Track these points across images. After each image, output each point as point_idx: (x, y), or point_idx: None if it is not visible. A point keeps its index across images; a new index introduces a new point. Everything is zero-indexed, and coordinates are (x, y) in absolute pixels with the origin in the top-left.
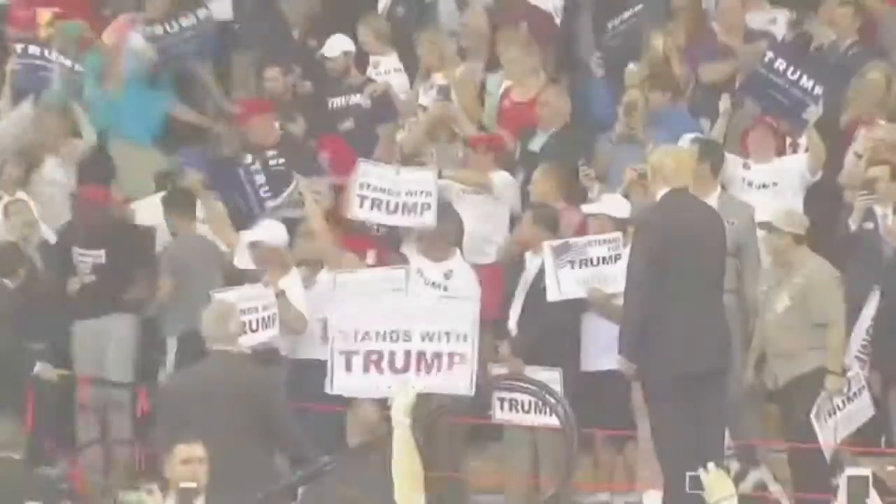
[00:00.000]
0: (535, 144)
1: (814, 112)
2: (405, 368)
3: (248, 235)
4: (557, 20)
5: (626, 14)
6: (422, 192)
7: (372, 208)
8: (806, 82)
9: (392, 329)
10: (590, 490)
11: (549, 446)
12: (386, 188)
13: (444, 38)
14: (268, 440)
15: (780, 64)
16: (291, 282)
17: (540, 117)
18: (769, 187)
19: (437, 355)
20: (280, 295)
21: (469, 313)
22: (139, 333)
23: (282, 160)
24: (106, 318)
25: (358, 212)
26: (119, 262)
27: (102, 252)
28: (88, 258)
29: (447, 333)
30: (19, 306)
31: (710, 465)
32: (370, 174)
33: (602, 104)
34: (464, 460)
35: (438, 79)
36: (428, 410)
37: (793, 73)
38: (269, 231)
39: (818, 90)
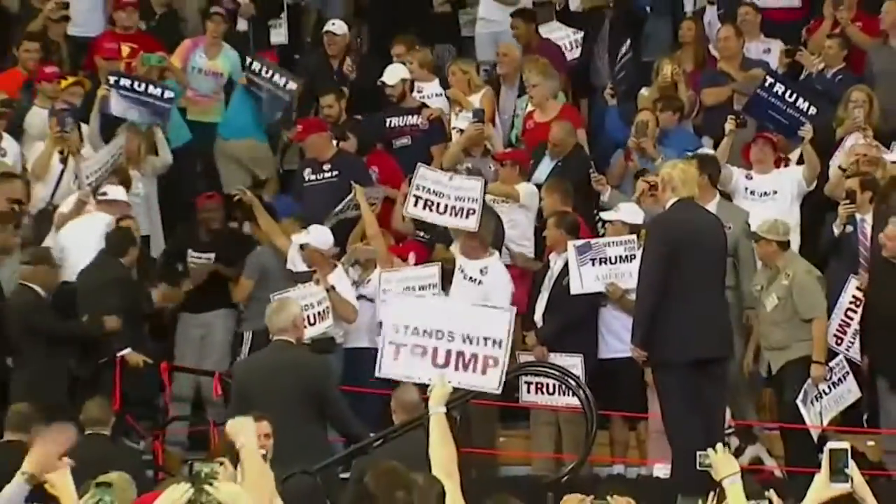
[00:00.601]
0: (542, 173)
1: (808, 129)
2: (445, 364)
3: (298, 239)
4: (571, 53)
5: (623, 49)
6: (469, 199)
7: (424, 208)
8: (802, 104)
9: (438, 328)
10: (606, 463)
11: (571, 424)
12: (438, 191)
13: (473, 68)
14: (321, 418)
15: (779, 88)
16: (337, 277)
17: (550, 152)
18: (770, 195)
19: (475, 356)
20: (331, 290)
21: (506, 323)
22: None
23: (336, 172)
24: (211, 314)
25: (412, 210)
26: (225, 265)
27: (213, 255)
28: (202, 260)
29: (485, 338)
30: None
31: (719, 445)
32: (427, 178)
33: (615, 126)
34: (496, 438)
35: (475, 103)
36: (461, 394)
37: (790, 96)
38: (316, 235)
39: (812, 111)
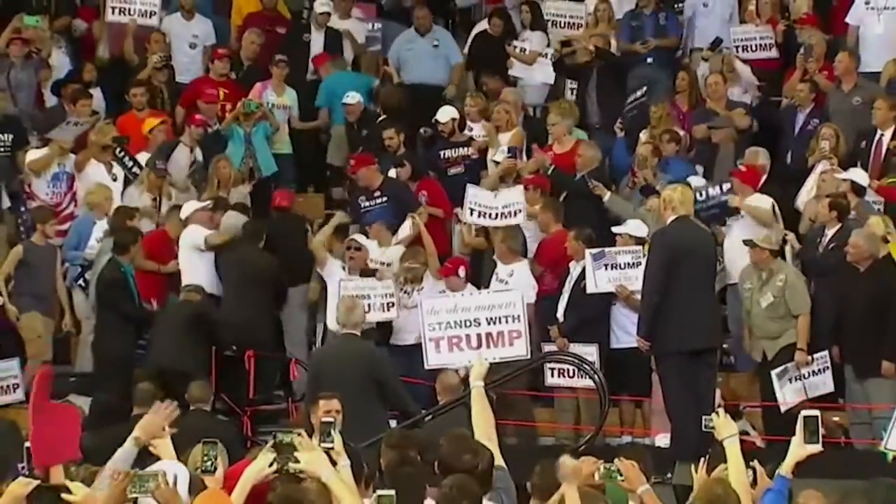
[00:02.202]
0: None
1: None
2: (479, 346)
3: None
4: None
5: (638, 94)
6: (514, 203)
7: (479, 217)
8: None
9: (465, 319)
10: (616, 434)
11: (587, 403)
12: (487, 204)
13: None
14: (380, 399)
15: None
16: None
17: (577, 164)
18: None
19: (500, 334)
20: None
21: (519, 300)
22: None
23: (385, 198)
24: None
25: (469, 218)
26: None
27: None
28: None
29: (505, 317)
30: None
31: (720, 411)
32: (478, 194)
33: (621, 154)
34: (533, 413)
35: (503, 141)
36: (498, 377)
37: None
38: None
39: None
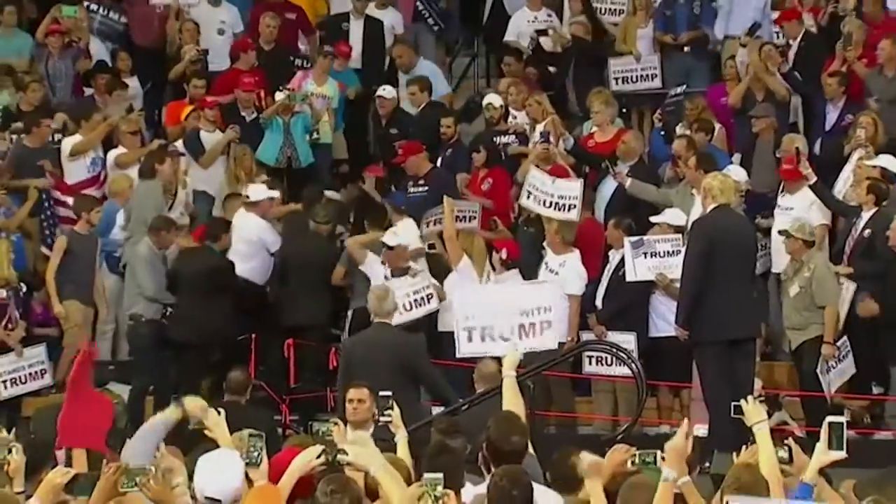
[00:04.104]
0: (609, 185)
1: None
2: (510, 336)
3: (385, 238)
4: None
5: (679, 90)
6: (570, 197)
7: (535, 202)
8: None
9: (498, 310)
10: (654, 424)
11: (625, 392)
12: (545, 190)
13: (546, 99)
14: (414, 387)
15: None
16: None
17: (622, 153)
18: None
19: (532, 325)
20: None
21: (550, 292)
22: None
23: (426, 188)
24: None
25: (524, 202)
26: None
27: None
28: None
29: (537, 308)
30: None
31: (750, 398)
32: (537, 178)
33: (659, 145)
34: (574, 403)
35: (543, 127)
36: (532, 367)
37: None
38: (402, 236)
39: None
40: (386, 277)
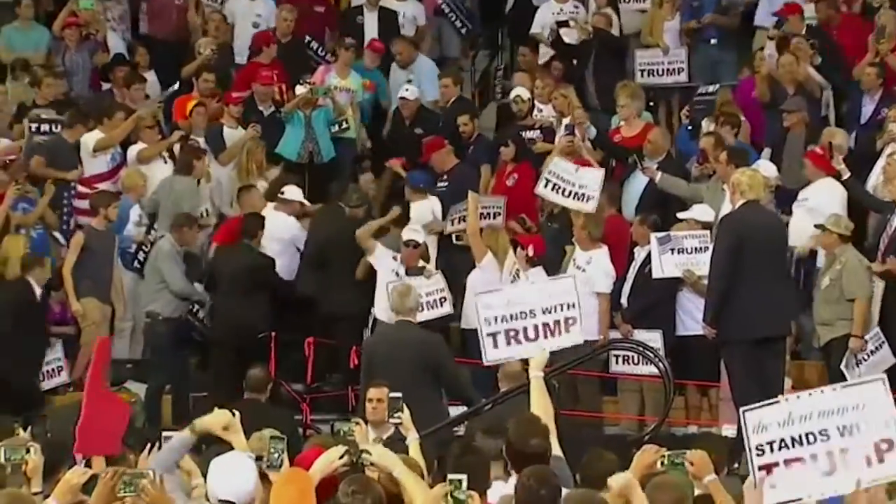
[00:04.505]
0: (639, 180)
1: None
2: (536, 337)
3: (413, 236)
4: None
5: (711, 89)
6: (591, 187)
7: (552, 190)
8: None
9: (520, 311)
10: (682, 425)
11: (652, 391)
12: (566, 179)
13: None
14: (437, 386)
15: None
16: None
17: (648, 152)
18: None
19: (556, 322)
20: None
21: (572, 287)
22: None
23: (447, 183)
24: None
25: (541, 190)
26: None
27: None
28: None
29: (560, 305)
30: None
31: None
32: (559, 166)
33: (685, 140)
34: (601, 402)
35: (567, 120)
36: (558, 365)
37: None
38: (418, 234)
39: None
40: (397, 274)
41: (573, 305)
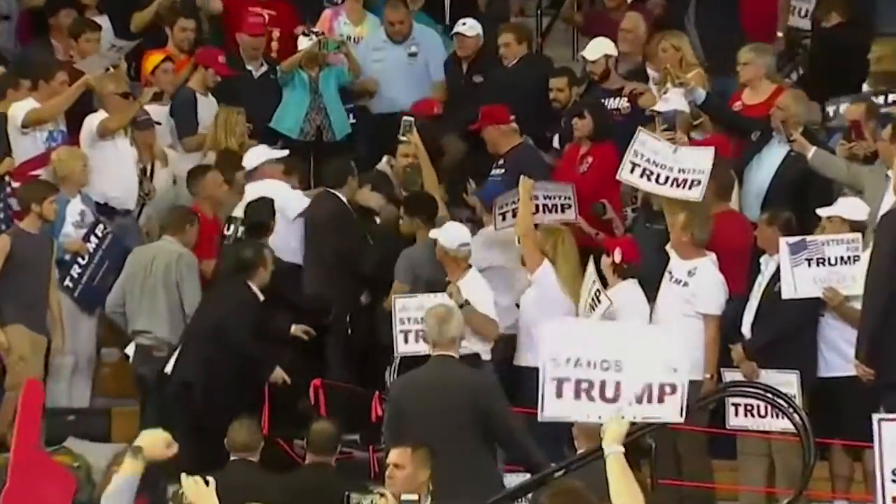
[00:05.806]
0: (774, 154)
1: None
2: (615, 398)
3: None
4: None
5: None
6: (695, 170)
7: (641, 176)
8: None
9: (604, 358)
10: (827, 499)
11: (784, 453)
12: (659, 162)
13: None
14: (488, 442)
15: None
16: (472, 284)
17: (779, 122)
18: None
19: (649, 386)
20: (465, 304)
21: (681, 343)
22: None
23: (503, 170)
24: None
25: (626, 176)
26: None
27: None
28: None
29: (660, 364)
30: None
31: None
32: (647, 145)
33: None
34: (709, 469)
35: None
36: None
37: None
38: (447, 233)
39: None
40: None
41: (677, 371)
